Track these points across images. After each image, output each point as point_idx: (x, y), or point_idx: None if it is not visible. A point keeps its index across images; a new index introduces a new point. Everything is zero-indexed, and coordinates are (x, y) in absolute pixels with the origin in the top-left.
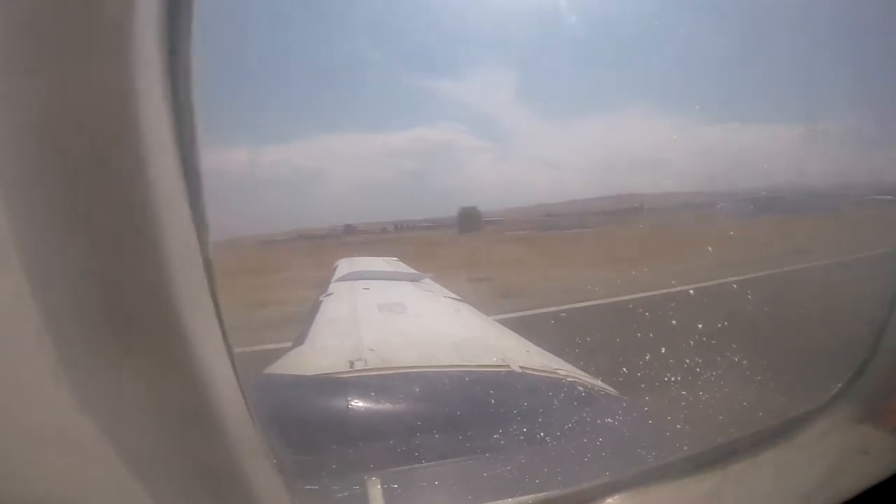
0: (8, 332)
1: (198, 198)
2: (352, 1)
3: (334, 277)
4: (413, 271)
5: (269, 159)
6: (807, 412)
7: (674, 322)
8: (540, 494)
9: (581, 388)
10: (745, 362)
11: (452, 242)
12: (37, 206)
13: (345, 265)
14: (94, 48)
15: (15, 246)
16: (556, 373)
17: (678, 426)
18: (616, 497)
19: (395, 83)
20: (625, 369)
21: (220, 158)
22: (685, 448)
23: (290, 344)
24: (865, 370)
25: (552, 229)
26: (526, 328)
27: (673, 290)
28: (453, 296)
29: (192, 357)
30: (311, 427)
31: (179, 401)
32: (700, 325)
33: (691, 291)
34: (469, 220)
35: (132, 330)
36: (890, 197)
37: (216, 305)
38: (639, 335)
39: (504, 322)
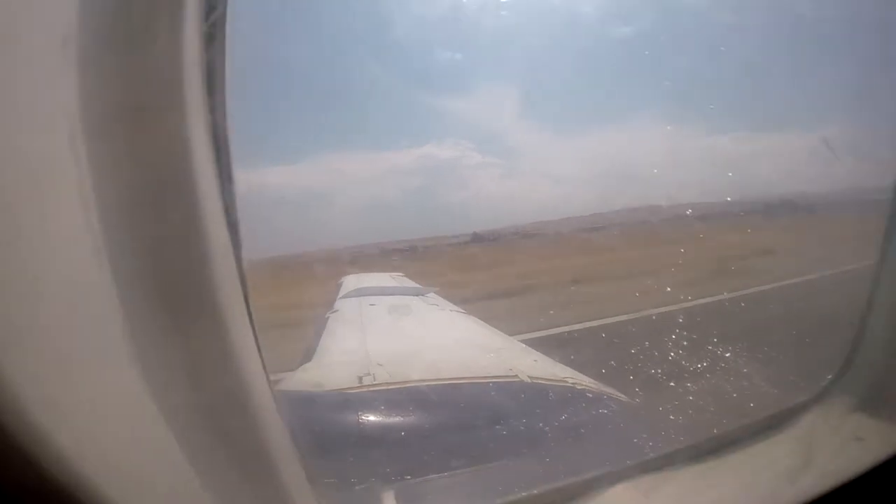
0: (98, 319)
1: (234, 219)
2: (356, 19)
3: (340, 294)
4: (418, 286)
5: (276, 180)
6: (803, 402)
7: None
8: (546, 487)
9: (590, 395)
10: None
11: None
12: (122, 228)
13: (350, 281)
14: (153, 105)
15: (109, 261)
16: (564, 381)
17: (681, 419)
18: (619, 486)
19: (401, 101)
20: None
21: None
22: (685, 438)
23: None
24: (854, 361)
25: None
26: None
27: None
28: (459, 309)
29: (233, 358)
30: (324, 442)
31: (223, 395)
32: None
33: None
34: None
35: (186, 320)
36: (884, 197)
37: (251, 318)
38: None
39: None
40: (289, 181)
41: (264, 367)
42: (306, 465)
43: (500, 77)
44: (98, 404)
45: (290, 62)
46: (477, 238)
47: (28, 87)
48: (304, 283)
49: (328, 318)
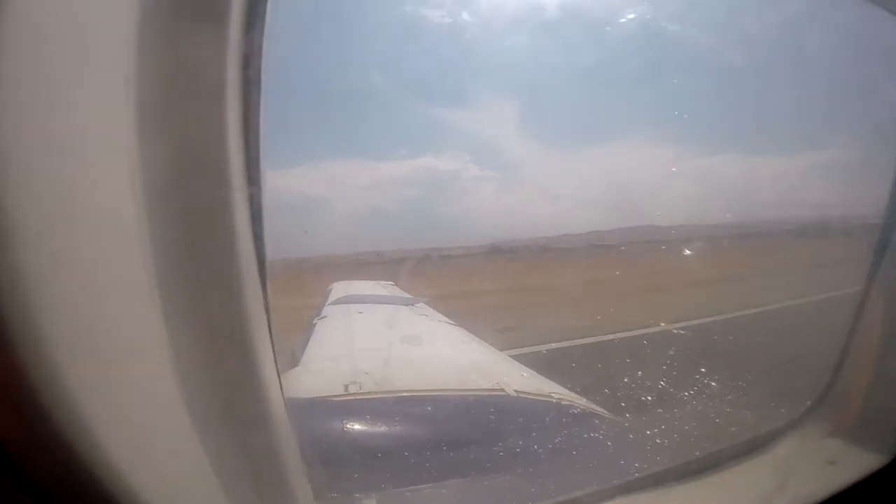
0: (140, 327)
1: (259, 222)
2: (358, 29)
3: (328, 300)
4: (408, 296)
5: (274, 185)
6: (782, 426)
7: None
8: None
9: (574, 412)
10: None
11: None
12: (162, 236)
13: (339, 288)
14: (197, 114)
15: (154, 269)
16: (550, 396)
17: (659, 441)
18: None
19: (399, 110)
20: None
21: None
22: (668, 460)
23: None
24: (831, 389)
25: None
26: None
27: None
28: (448, 320)
29: (253, 363)
30: (308, 449)
31: (246, 407)
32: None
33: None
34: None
35: (217, 340)
36: (873, 222)
37: (270, 331)
38: None
39: None
40: (286, 185)
41: (280, 379)
42: (312, 480)
43: (499, 91)
44: (144, 418)
45: (289, 68)
46: (496, 250)
47: (96, 137)
48: (298, 288)
49: (315, 324)
